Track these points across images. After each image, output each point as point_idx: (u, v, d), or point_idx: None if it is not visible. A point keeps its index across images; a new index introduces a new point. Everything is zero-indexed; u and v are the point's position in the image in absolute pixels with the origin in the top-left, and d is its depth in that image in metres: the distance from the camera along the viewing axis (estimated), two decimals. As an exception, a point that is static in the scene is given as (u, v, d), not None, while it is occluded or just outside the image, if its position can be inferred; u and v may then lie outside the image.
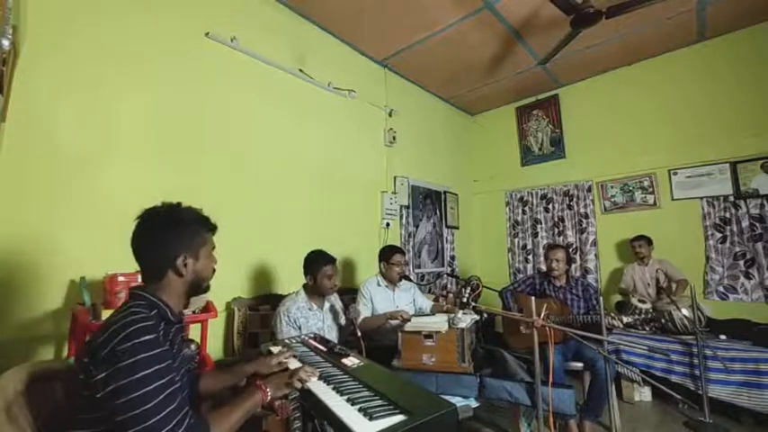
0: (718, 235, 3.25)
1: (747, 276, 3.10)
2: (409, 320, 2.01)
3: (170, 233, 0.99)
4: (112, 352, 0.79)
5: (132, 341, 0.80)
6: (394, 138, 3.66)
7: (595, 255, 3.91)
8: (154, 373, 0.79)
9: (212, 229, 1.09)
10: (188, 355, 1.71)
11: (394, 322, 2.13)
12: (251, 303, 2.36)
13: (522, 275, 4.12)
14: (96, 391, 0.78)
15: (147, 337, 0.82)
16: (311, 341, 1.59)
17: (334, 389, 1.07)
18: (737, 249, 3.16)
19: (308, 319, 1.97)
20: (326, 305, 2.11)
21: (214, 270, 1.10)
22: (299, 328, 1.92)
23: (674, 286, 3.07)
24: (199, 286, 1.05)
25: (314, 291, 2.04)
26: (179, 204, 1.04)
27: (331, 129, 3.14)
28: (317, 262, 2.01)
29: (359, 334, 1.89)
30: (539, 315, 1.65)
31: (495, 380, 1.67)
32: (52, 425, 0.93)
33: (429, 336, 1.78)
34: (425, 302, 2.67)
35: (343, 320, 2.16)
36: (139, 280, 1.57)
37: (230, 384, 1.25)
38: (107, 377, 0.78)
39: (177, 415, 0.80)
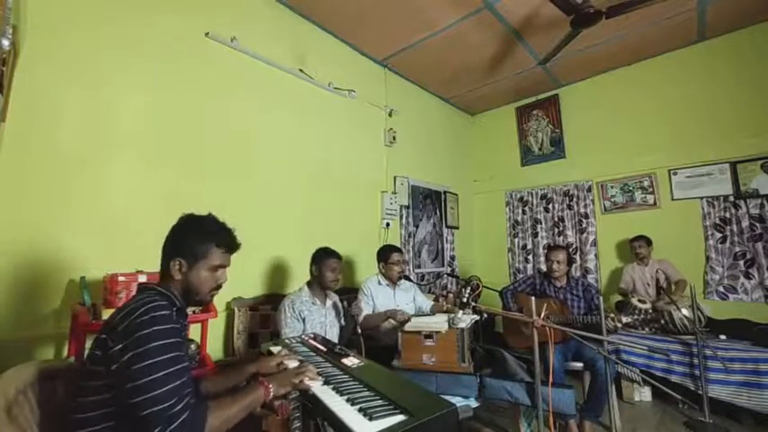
0: (718, 235, 3.25)
1: (747, 276, 3.10)
2: (409, 320, 2.01)
3: (175, 236, 1.08)
4: (131, 324, 0.86)
5: (150, 314, 0.88)
6: (394, 138, 3.66)
7: (595, 255, 3.91)
8: (167, 346, 0.85)
9: (224, 246, 1.09)
10: (189, 356, 1.71)
11: (393, 322, 2.13)
12: (251, 303, 2.37)
13: (522, 275, 4.12)
14: (112, 362, 0.83)
15: (164, 312, 0.90)
16: (311, 341, 1.59)
17: (334, 389, 1.06)
18: (737, 249, 3.16)
19: (311, 312, 2.01)
20: (329, 302, 2.14)
21: (213, 288, 1.09)
22: (303, 321, 1.97)
23: (673, 286, 3.07)
24: (189, 294, 1.06)
25: (317, 285, 2.10)
26: (208, 215, 1.11)
27: (331, 129, 3.14)
28: (323, 254, 2.12)
29: (359, 331, 1.90)
30: (539, 315, 1.65)
31: (495, 380, 1.67)
32: (54, 424, 0.94)
33: (429, 336, 1.78)
34: (425, 302, 2.66)
35: (344, 320, 2.18)
36: (139, 280, 1.60)
37: (232, 384, 1.26)
38: (124, 347, 0.83)
39: (180, 392, 0.83)
